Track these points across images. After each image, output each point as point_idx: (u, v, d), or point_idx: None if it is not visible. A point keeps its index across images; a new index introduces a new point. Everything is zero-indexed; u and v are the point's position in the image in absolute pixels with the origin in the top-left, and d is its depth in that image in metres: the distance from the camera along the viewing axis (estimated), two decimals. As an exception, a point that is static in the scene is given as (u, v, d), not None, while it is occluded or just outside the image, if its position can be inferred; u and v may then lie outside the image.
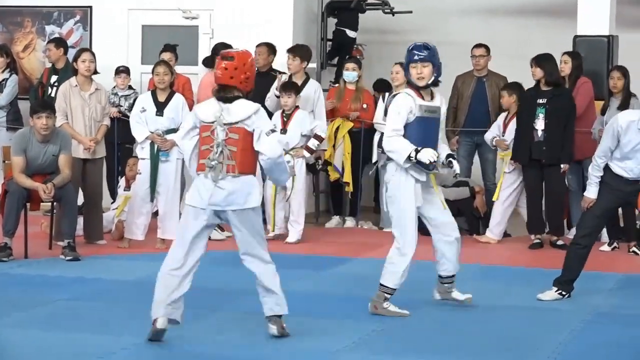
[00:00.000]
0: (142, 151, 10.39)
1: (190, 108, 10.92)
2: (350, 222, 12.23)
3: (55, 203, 9.84)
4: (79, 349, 6.46)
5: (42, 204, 9.98)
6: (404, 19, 13.65)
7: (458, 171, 7.68)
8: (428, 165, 7.40)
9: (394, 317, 7.45)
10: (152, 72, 10.58)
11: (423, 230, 7.71)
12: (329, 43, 13.33)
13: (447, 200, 7.95)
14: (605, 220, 8.58)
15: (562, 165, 10.70)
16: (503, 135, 11.13)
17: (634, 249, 10.54)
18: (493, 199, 11.12)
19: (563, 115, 10.68)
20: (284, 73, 11.48)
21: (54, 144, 9.69)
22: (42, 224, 10.73)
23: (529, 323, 7.44)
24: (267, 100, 11.32)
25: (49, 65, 12.54)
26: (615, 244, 10.69)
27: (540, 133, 10.66)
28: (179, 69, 11.92)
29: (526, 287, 8.64)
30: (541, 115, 10.67)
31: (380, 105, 11.77)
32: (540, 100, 10.68)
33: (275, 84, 11.30)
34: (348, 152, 11.82)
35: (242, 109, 6.63)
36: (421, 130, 7.47)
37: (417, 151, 7.35)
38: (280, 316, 6.75)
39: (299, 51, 11.46)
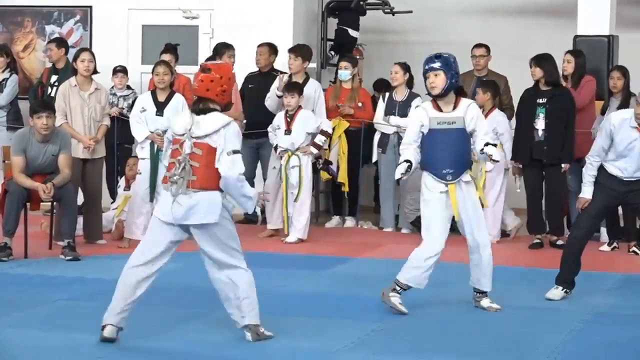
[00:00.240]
0: (142, 151, 10.40)
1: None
2: (350, 222, 12.24)
3: (55, 203, 9.85)
4: (78, 349, 6.46)
5: (42, 203, 9.98)
6: (404, 19, 13.67)
7: (497, 158, 7.64)
8: (442, 175, 7.57)
9: (394, 317, 7.45)
10: (152, 72, 10.58)
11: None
12: (329, 43, 13.33)
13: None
14: (601, 220, 8.61)
15: (562, 165, 10.70)
16: None
17: (634, 248, 10.55)
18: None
19: (563, 115, 10.68)
20: (285, 73, 11.48)
21: (53, 143, 9.69)
22: (42, 223, 10.73)
23: (529, 323, 7.44)
24: (267, 100, 11.33)
25: (49, 65, 12.54)
26: (615, 244, 10.70)
27: (540, 133, 10.67)
28: (178, 68, 11.92)
29: (526, 287, 8.66)
30: (541, 115, 10.67)
31: (381, 105, 11.77)
32: (540, 100, 10.69)
33: (276, 84, 11.30)
34: (343, 151, 11.81)
35: (211, 122, 6.56)
36: (433, 143, 7.59)
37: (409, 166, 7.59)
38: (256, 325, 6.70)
39: (300, 51, 11.47)
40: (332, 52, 13.25)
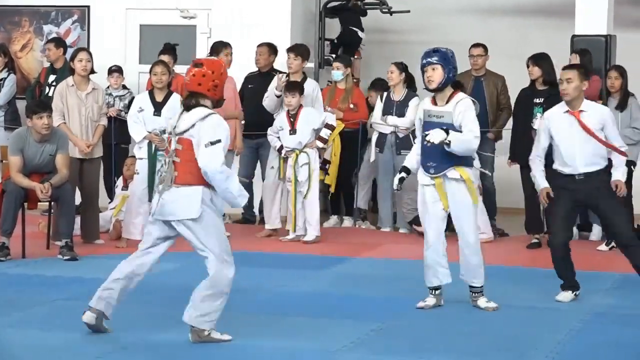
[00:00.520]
0: (140, 151, 10.39)
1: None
2: (347, 221, 12.24)
3: (52, 203, 9.83)
4: (77, 349, 6.46)
5: (39, 203, 9.96)
6: (402, 19, 13.67)
7: (432, 139, 7.53)
8: (427, 168, 7.70)
9: (393, 317, 7.46)
10: (150, 72, 10.57)
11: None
12: (327, 42, 13.32)
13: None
14: (573, 220, 8.57)
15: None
16: None
17: (633, 248, 10.52)
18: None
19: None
20: (284, 73, 11.46)
21: (51, 143, 9.68)
22: (40, 223, 10.72)
23: (528, 323, 7.44)
24: (266, 100, 11.32)
25: (47, 64, 12.53)
26: (613, 244, 10.67)
27: (539, 133, 10.66)
28: (176, 68, 11.91)
29: (524, 286, 8.65)
30: (539, 115, 10.64)
31: (378, 105, 11.76)
32: (537, 99, 10.68)
33: (274, 84, 11.28)
34: (335, 153, 11.77)
35: (190, 117, 6.58)
36: (423, 136, 7.68)
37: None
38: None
39: (299, 50, 11.45)
40: (334, 54, 13.20)
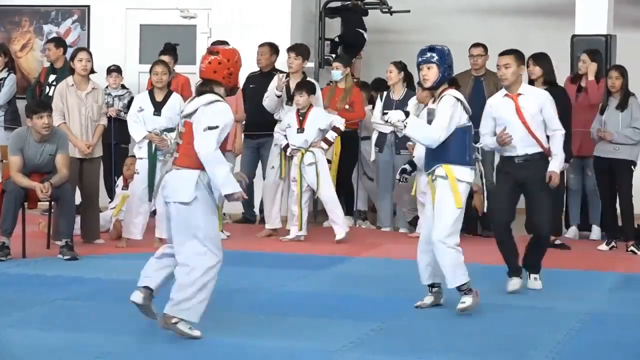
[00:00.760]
0: (140, 150, 10.39)
1: (189, 107, 10.92)
2: (348, 221, 12.21)
3: (52, 202, 9.83)
4: (76, 349, 6.45)
5: (39, 203, 9.96)
6: (402, 19, 13.67)
7: (391, 119, 7.51)
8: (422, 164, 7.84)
9: (393, 317, 7.45)
10: (150, 72, 10.57)
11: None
12: (328, 42, 13.32)
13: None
14: (514, 202, 8.52)
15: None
16: None
17: (632, 248, 10.54)
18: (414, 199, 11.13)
19: (561, 115, 10.64)
20: (285, 73, 11.46)
21: (51, 143, 9.68)
22: (40, 223, 10.72)
23: (528, 322, 7.43)
24: (266, 100, 11.31)
25: (47, 64, 12.53)
26: (613, 244, 10.69)
27: (539, 133, 10.65)
28: (176, 68, 11.92)
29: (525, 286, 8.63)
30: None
31: (378, 104, 11.76)
32: (538, 99, 10.66)
33: (274, 83, 11.28)
34: (336, 153, 11.75)
35: (197, 101, 6.67)
36: None
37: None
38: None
39: (300, 50, 11.45)
40: (334, 54, 13.20)
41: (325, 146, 11.00)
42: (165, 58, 11.47)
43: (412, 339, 6.91)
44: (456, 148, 7.52)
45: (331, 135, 11.01)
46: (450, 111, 7.46)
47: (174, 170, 6.67)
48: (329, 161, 11.64)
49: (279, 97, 11.18)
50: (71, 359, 6.30)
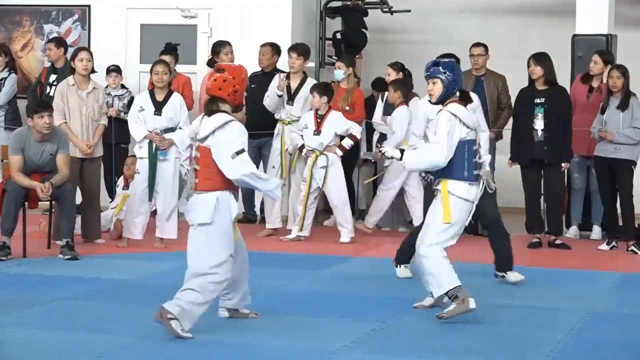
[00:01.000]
0: (140, 150, 10.39)
1: (189, 107, 10.94)
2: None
3: (53, 202, 9.84)
4: (77, 348, 6.45)
5: (40, 202, 9.96)
6: (402, 18, 13.66)
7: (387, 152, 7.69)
8: None
9: (393, 316, 7.45)
10: (151, 71, 10.57)
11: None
12: (329, 42, 13.33)
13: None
14: None
15: (562, 164, 10.70)
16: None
17: (633, 247, 10.54)
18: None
19: (562, 114, 10.67)
20: (285, 73, 11.45)
21: (51, 143, 9.69)
22: (41, 223, 10.72)
23: (528, 322, 7.43)
24: (266, 100, 11.31)
25: (47, 64, 12.53)
26: (613, 243, 10.69)
27: (540, 133, 10.65)
28: (177, 68, 11.91)
29: (525, 286, 8.64)
30: (540, 115, 10.65)
31: (379, 105, 11.76)
32: (538, 99, 10.66)
33: (275, 83, 11.27)
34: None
35: (209, 124, 6.74)
36: None
37: None
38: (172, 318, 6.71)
39: (301, 50, 11.44)
40: (337, 52, 13.19)
41: (340, 152, 10.98)
42: (166, 58, 11.46)
43: (411, 338, 6.92)
44: (453, 162, 7.38)
45: (347, 142, 10.99)
46: (446, 127, 7.32)
47: (195, 195, 6.80)
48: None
49: (279, 96, 11.18)
50: (71, 359, 6.30)
